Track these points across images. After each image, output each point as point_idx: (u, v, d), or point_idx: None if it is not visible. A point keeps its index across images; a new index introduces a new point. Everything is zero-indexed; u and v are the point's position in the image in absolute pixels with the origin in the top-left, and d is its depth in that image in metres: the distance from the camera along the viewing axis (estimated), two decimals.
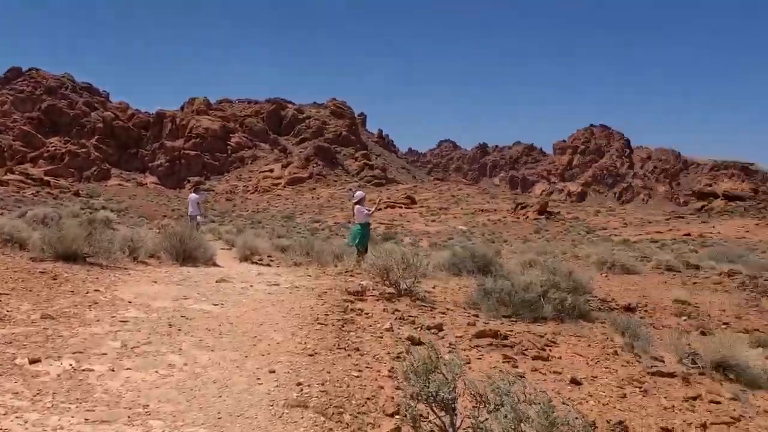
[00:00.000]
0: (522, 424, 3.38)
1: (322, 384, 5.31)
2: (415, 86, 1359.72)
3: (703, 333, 9.25)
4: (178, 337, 6.51)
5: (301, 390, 5.16)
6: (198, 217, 20.64)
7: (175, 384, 5.20)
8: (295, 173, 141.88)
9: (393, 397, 5.20)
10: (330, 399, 5.00)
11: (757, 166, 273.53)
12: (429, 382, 3.79)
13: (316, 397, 5.02)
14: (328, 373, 5.61)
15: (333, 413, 4.76)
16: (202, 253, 13.74)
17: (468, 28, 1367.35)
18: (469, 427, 3.87)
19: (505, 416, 3.38)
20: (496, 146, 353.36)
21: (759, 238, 73.49)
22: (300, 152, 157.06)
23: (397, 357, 6.28)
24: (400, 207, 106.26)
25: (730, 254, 22.45)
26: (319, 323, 7.26)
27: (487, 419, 3.69)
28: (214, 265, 14.02)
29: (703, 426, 5.53)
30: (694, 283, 13.91)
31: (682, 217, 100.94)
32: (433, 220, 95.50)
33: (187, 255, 13.20)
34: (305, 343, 6.49)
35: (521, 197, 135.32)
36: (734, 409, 6.06)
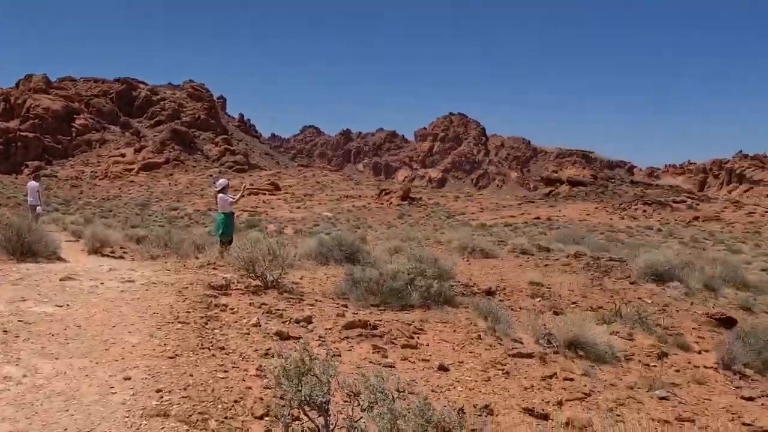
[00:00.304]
0: (399, 422, 3.33)
1: (185, 389, 4.97)
2: (277, 70, 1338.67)
3: (555, 313, 9.86)
4: (15, 345, 5.81)
5: (161, 397, 4.78)
6: (38, 207, 18.84)
7: (12, 399, 4.62)
8: (149, 158, 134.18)
9: (262, 398, 4.98)
10: (193, 405, 4.68)
11: (595, 154, 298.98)
12: (302, 386, 3.63)
13: (178, 403, 4.68)
14: (191, 376, 5.26)
15: (197, 420, 4.46)
16: (43, 247, 12.49)
17: (331, 14, 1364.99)
18: (343, 427, 3.77)
19: (381, 416, 3.31)
20: (360, 133, 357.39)
21: (598, 220, 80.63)
22: (155, 136, 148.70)
23: (266, 354, 6.05)
24: (264, 193, 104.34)
25: (575, 236, 24.28)
26: (179, 322, 6.81)
27: (361, 418, 3.61)
28: (59, 260, 12.83)
29: (559, 403, 5.86)
30: (546, 265, 14.85)
31: (533, 202, 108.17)
32: (298, 207, 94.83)
33: (25, 250, 11.92)
34: (164, 344, 6.05)
35: (385, 183, 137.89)
36: (585, 385, 6.49)
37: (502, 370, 6.54)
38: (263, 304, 7.90)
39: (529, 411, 5.47)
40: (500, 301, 10.37)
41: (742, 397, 6.91)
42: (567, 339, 7.56)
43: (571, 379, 6.58)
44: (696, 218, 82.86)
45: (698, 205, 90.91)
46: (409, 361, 6.52)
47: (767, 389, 7.41)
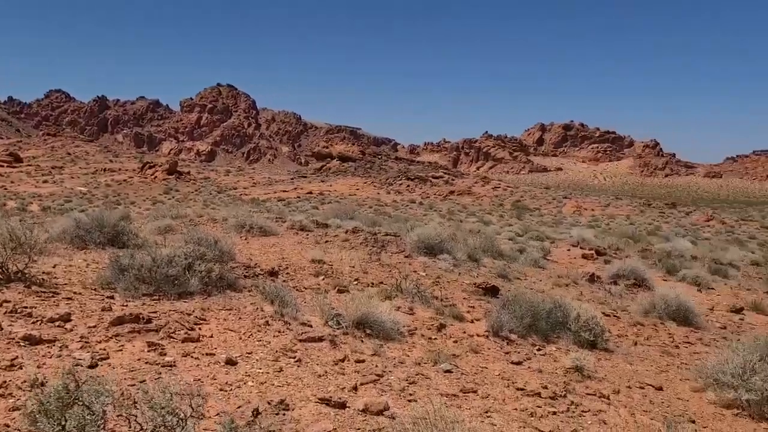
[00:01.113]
0: None
1: None
2: (12, 23, 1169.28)
3: (340, 291, 9.82)
4: None
5: None
6: None
7: None
8: None
9: (8, 424, 4.01)
10: None
11: (363, 131, 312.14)
12: (66, 420, 2.89)
13: None
14: None
15: None
16: None
17: None
18: None
19: None
20: (118, 100, 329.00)
21: (367, 195, 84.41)
22: None
23: (11, 365, 4.96)
24: (2, 166, 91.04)
25: (349, 211, 24.88)
26: None
27: None
28: None
29: (354, 388, 5.72)
30: (326, 241, 14.88)
31: (305, 177, 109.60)
32: (45, 181, 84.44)
33: None
34: None
35: (148, 156, 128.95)
36: (377, 366, 6.45)
37: (294, 357, 6.21)
38: (5, 301, 6.56)
39: (326, 401, 5.22)
40: (284, 281, 10.04)
41: (512, 362, 7.48)
42: (356, 318, 7.49)
43: (363, 361, 6.50)
44: (451, 192, 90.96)
45: (453, 180, 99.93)
46: (192, 356, 5.88)
47: (530, 352, 8.14)
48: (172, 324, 6.58)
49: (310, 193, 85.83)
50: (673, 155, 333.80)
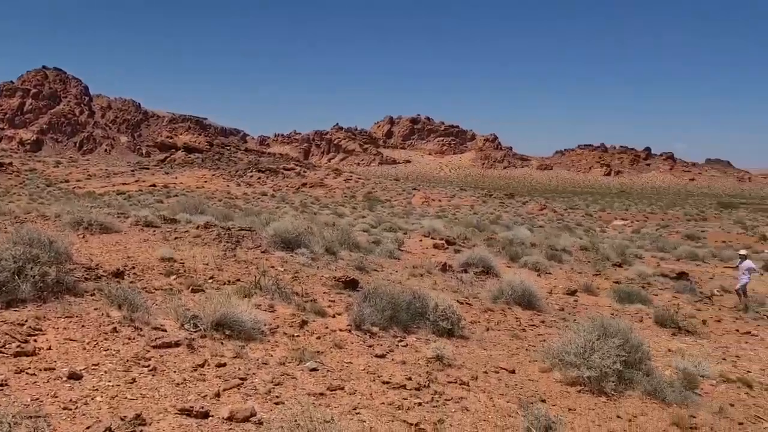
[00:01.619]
0: None
1: None
2: None
3: (194, 290, 9.28)
4: None
5: None
6: None
7: None
8: None
9: None
10: None
11: (209, 121, 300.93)
12: None
13: None
14: None
15: None
16: None
17: None
18: None
19: None
20: None
21: (216, 187, 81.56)
22: None
23: None
24: None
25: (198, 206, 23.79)
26: None
27: None
28: None
29: (217, 395, 5.41)
30: (176, 238, 14.04)
31: (147, 168, 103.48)
32: None
33: None
34: None
35: None
36: (239, 369, 6.16)
37: (148, 366, 5.75)
38: None
39: (187, 412, 4.88)
40: (131, 283, 9.29)
41: (376, 356, 7.51)
42: (214, 319, 7.11)
43: (224, 365, 6.17)
44: (304, 185, 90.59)
45: (305, 172, 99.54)
46: (28, 373, 5.23)
47: (392, 344, 8.23)
48: (1, 337, 5.81)
49: (154, 186, 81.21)
50: (510, 149, 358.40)
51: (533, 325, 11.37)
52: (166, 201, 57.56)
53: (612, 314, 13.83)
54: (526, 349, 9.19)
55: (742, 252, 20.18)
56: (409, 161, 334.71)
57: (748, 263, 18.71)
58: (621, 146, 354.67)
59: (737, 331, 14.46)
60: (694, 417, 7.02)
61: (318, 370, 6.52)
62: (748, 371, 10.42)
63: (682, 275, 21.77)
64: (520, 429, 5.74)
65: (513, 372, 7.78)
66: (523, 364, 8.30)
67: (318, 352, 7.19)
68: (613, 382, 7.30)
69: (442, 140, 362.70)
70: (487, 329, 10.35)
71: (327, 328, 8.45)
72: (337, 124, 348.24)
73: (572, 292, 16.20)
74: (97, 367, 5.55)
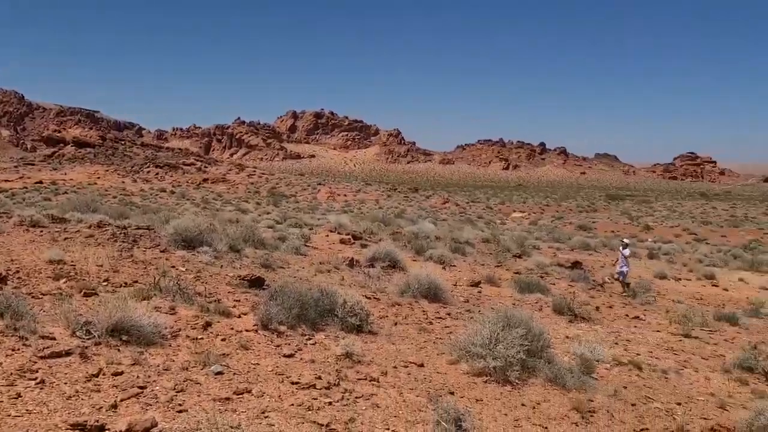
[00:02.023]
0: None
1: None
2: None
3: (87, 294, 8.71)
4: None
5: None
6: None
7: None
8: None
9: None
10: None
11: (101, 114, 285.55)
12: None
13: None
14: None
15: None
16: None
17: None
18: None
19: None
20: None
21: (110, 184, 77.53)
22: None
23: None
24: None
25: (90, 203, 22.45)
26: None
27: None
28: None
29: (114, 406, 5.08)
30: (66, 238, 13.13)
31: (33, 164, 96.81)
32: None
33: None
34: None
35: None
36: (138, 377, 5.83)
37: (35, 378, 5.31)
38: None
39: (80, 426, 4.53)
40: (16, 288, 8.58)
41: (284, 356, 7.34)
42: (109, 325, 6.67)
43: (121, 373, 5.81)
44: (205, 180, 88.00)
45: (206, 167, 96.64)
46: None
47: (301, 343, 8.08)
48: None
49: (40, 182, 76.07)
50: (414, 143, 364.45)
51: (440, 318, 11.55)
52: (54, 199, 54.10)
53: (513, 304, 14.33)
54: (434, 342, 9.30)
55: (626, 240, 21.46)
56: (313, 156, 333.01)
57: (626, 251, 19.86)
58: (518, 141, 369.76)
59: (627, 316, 15.39)
60: (592, 401, 7.36)
61: (223, 373, 6.28)
62: (638, 354, 11.09)
63: (576, 264, 22.93)
64: (430, 423, 5.78)
65: (422, 366, 7.84)
66: (431, 357, 8.39)
67: (223, 354, 6.94)
68: (517, 371, 7.53)
69: (347, 135, 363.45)
70: (395, 324, 10.40)
71: (232, 329, 8.16)
72: (239, 118, 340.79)
73: (476, 284, 16.63)
74: None
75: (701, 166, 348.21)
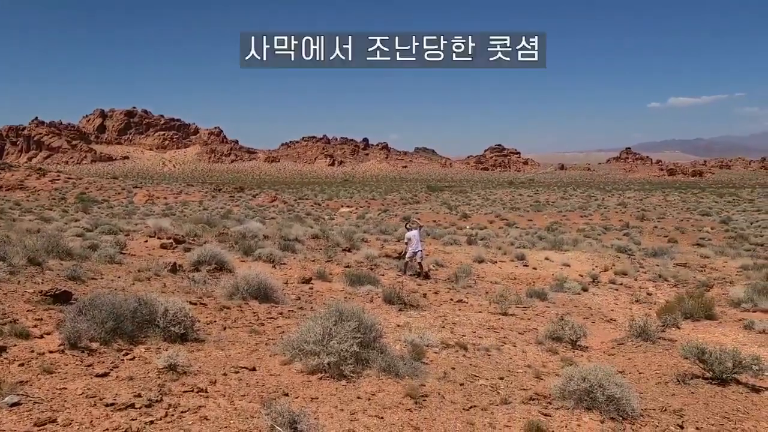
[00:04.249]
0: None
1: None
2: None
3: None
4: None
5: None
6: None
7: None
8: None
9: None
10: None
11: None
12: None
13: None
14: None
15: None
16: None
17: None
18: None
19: None
20: None
21: None
22: None
23: None
24: None
25: None
26: None
27: None
28: None
29: None
30: None
31: None
32: None
33: None
34: None
35: None
36: None
37: None
38: None
39: None
40: None
41: (97, 375, 6.59)
42: None
43: None
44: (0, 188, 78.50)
45: (0, 173, 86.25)
46: None
47: (116, 359, 7.33)
48: None
49: None
50: (236, 142, 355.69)
51: (271, 318, 11.23)
52: None
53: (345, 298, 14.40)
54: (266, 344, 8.97)
55: (409, 225, 22.06)
56: (127, 157, 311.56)
57: (413, 233, 20.49)
58: (342, 137, 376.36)
59: (451, 300, 16.16)
60: (424, 385, 7.52)
61: (21, 404, 5.45)
62: (463, 335, 11.65)
63: (402, 255, 23.69)
64: (264, 429, 5.49)
65: (254, 369, 7.49)
66: (263, 359, 8.06)
67: (21, 382, 6.04)
68: (351, 364, 7.46)
69: (164, 134, 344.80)
70: (224, 328, 9.90)
71: (33, 351, 7.17)
72: (37, 118, 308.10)
73: (307, 280, 16.48)
74: None
75: (508, 157, 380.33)
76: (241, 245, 21.06)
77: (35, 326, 8.29)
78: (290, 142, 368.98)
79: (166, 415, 5.55)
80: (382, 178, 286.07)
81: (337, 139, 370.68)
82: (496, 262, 25.54)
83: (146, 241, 21.37)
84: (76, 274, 12.73)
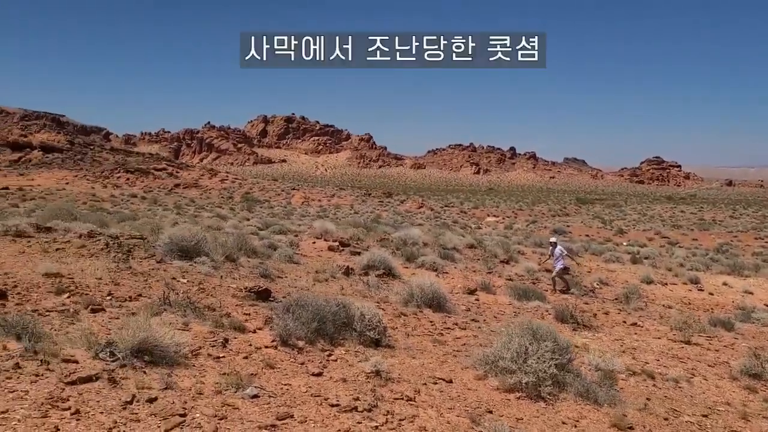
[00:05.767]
0: None
1: None
2: None
3: (93, 310, 8.29)
4: None
5: None
6: None
7: None
8: None
9: None
10: None
11: (67, 119, 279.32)
12: None
13: None
14: None
15: None
16: None
17: None
18: None
19: None
20: None
21: (79, 189, 75.67)
22: None
23: None
24: None
25: (72, 211, 21.75)
26: None
27: None
28: None
29: None
30: (57, 249, 12.61)
31: None
32: None
33: None
34: None
35: None
36: (174, 402, 5.50)
37: (68, 408, 4.95)
38: None
39: None
40: (18, 305, 8.15)
41: (312, 374, 7.05)
42: (134, 346, 6.32)
43: (155, 399, 5.47)
44: (177, 186, 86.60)
45: (178, 172, 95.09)
46: None
47: (323, 360, 7.80)
48: None
49: (6, 188, 73.90)
50: (385, 148, 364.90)
51: (448, 328, 11.36)
52: (21, 205, 52.58)
53: (515, 313, 14.25)
54: (453, 355, 9.10)
55: (552, 239, 21.28)
56: (284, 161, 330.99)
57: (558, 249, 19.79)
58: (488, 146, 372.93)
59: (624, 322, 15.39)
60: (626, 416, 7.24)
61: (259, 396, 5.98)
62: (647, 363, 11.05)
63: (565, 270, 22.96)
64: None
65: (450, 382, 7.63)
66: (456, 371, 8.18)
67: (251, 374, 6.63)
68: (549, 386, 7.37)
69: (318, 139, 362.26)
70: (407, 335, 10.18)
71: (251, 345, 7.84)
72: (209, 122, 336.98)
73: (472, 291, 16.49)
74: (6, 414, 4.69)
75: (667, 170, 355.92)
76: (404, 252, 21.54)
77: (246, 320, 9.05)
78: (436, 149, 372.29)
79: (386, 422, 5.81)
80: (529, 188, 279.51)
81: (483, 147, 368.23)
82: (666, 284, 23.97)
83: (314, 243, 22.51)
84: (265, 272, 13.74)
